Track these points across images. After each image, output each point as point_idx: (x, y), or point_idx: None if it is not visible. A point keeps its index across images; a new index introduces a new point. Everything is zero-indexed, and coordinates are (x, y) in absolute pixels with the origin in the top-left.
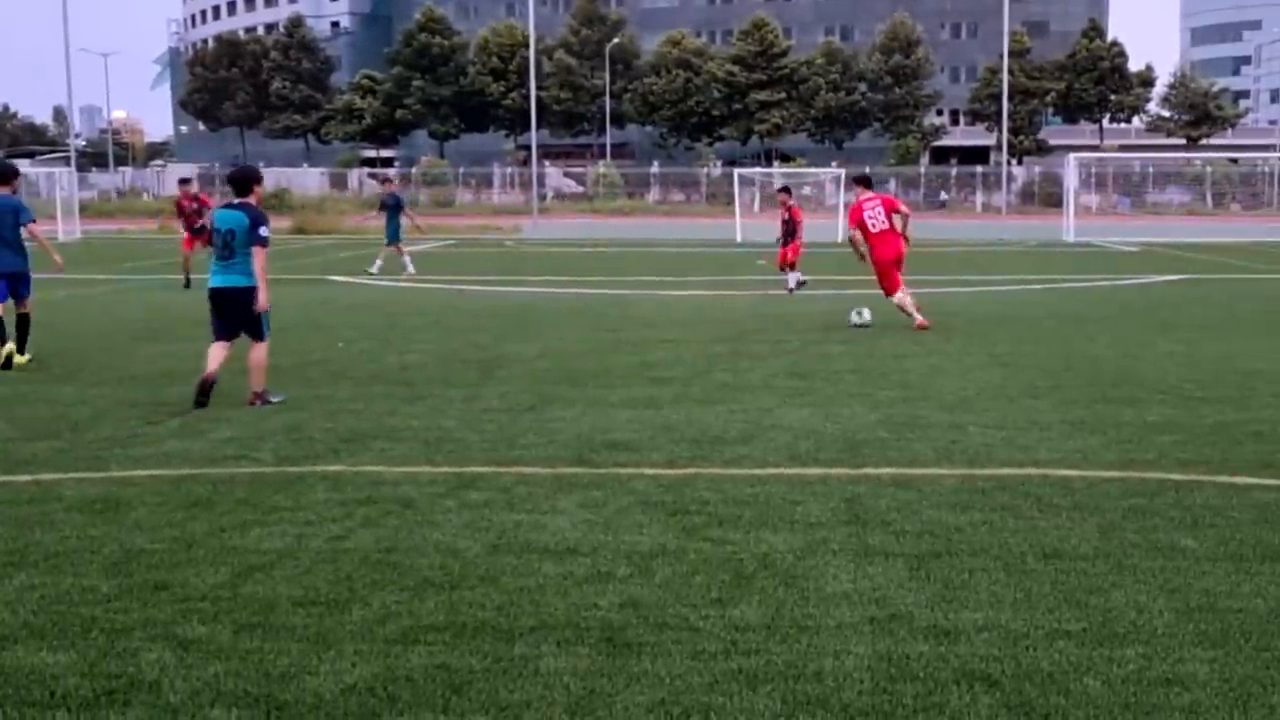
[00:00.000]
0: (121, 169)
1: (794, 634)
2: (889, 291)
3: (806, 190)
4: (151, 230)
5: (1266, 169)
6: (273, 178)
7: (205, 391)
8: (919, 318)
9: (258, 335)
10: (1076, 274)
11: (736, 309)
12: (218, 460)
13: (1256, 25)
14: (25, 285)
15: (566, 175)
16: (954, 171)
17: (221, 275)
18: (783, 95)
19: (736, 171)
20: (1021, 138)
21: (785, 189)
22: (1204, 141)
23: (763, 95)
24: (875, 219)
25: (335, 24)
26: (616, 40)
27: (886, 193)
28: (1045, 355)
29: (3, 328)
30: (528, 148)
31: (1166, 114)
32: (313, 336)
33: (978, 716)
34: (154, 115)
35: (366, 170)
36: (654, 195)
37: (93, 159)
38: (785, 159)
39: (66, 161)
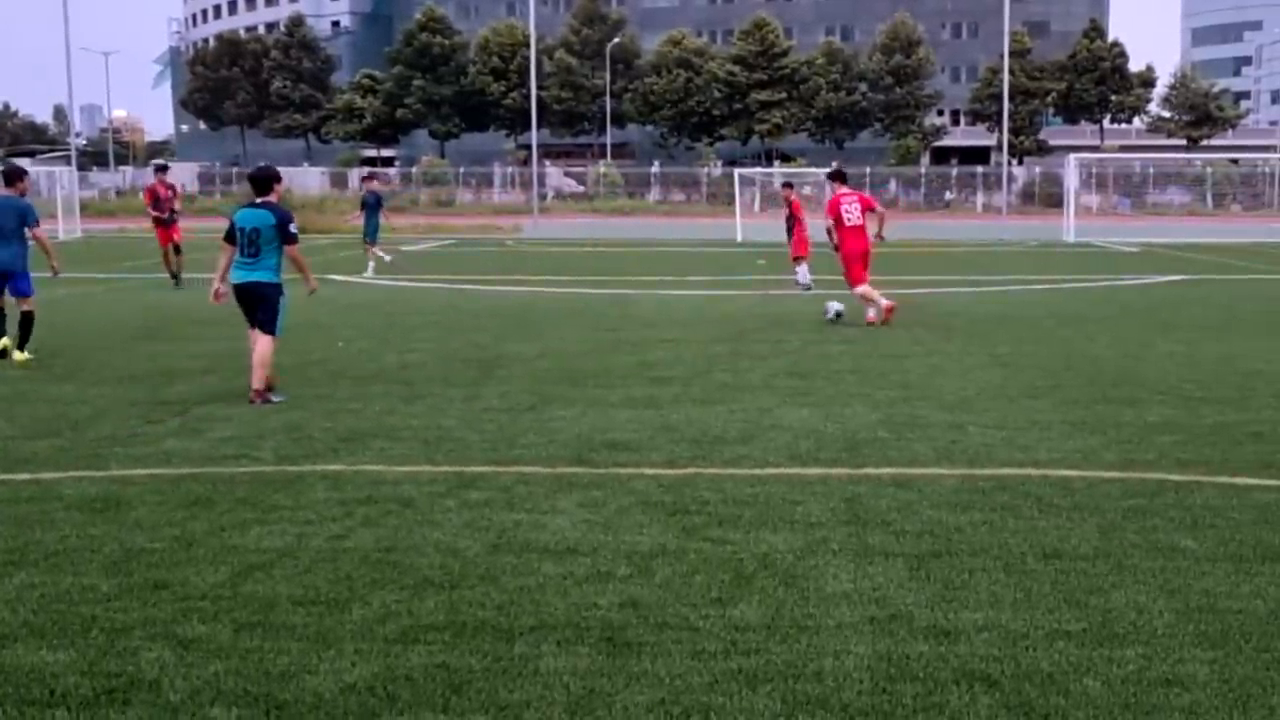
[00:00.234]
0: (122, 168)
1: (794, 634)
2: (853, 284)
3: (807, 190)
4: (151, 230)
5: (1267, 170)
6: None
7: (270, 389)
8: (884, 301)
9: (270, 330)
10: (1077, 274)
11: (737, 309)
12: (218, 459)
13: (1257, 26)
14: (23, 283)
15: (567, 175)
16: (954, 172)
17: (247, 271)
18: (783, 95)
19: (737, 171)
20: (1022, 138)
21: (788, 184)
22: (1205, 142)
23: (763, 95)
24: (851, 213)
25: (336, 23)
26: (617, 40)
27: (878, 192)
28: (1045, 355)
29: (2, 320)
30: (528, 147)
31: (1167, 114)
32: (313, 336)
33: (977, 717)
34: (155, 114)
35: (367, 170)
36: (654, 195)
37: (93, 158)
38: (786, 159)
39: (67, 160)
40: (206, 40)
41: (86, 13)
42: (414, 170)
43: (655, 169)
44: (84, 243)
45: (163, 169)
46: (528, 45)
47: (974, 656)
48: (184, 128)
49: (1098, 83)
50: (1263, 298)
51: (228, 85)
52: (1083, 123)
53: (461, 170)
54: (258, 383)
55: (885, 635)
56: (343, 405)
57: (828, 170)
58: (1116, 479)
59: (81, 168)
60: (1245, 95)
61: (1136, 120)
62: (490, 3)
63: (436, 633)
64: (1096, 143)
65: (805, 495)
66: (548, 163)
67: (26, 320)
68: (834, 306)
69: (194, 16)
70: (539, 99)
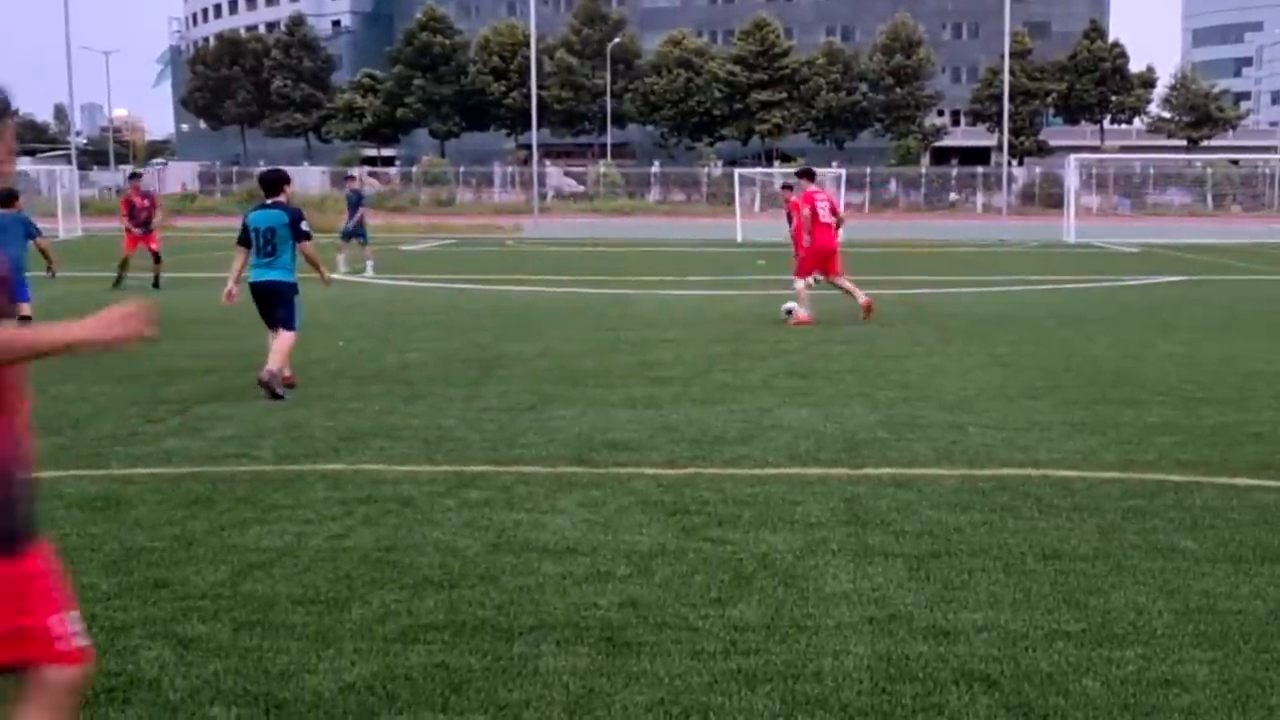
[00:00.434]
0: (122, 167)
1: (793, 634)
2: (798, 274)
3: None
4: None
5: (1267, 170)
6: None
7: (290, 386)
8: (803, 313)
9: (290, 326)
10: (1077, 275)
11: (737, 309)
12: (218, 458)
13: (1258, 27)
14: (21, 290)
15: (567, 175)
16: (955, 172)
17: (264, 271)
18: (784, 95)
19: (737, 171)
20: (1022, 138)
21: (787, 186)
22: (1205, 143)
23: (764, 95)
24: (823, 210)
25: (336, 23)
26: (618, 40)
27: (879, 193)
28: (1045, 356)
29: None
30: (529, 147)
31: (1167, 115)
32: (313, 335)
33: (976, 717)
34: (155, 113)
35: (367, 169)
36: (654, 195)
37: (94, 157)
38: (786, 159)
39: (68, 160)
40: (207, 39)
41: (87, 12)
42: (414, 170)
43: (655, 169)
44: (85, 242)
45: (136, 177)
46: (528, 45)
47: (973, 657)
48: (184, 127)
49: (1098, 83)
50: (1263, 298)
51: (228, 84)
52: (1083, 123)
53: (462, 170)
54: (273, 365)
55: (885, 635)
56: (343, 404)
57: (797, 169)
58: (1116, 479)
59: (82, 167)
60: (1246, 96)
61: (1137, 121)
62: (491, 2)
63: (436, 632)
64: (1097, 143)
65: (805, 495)
66: (548, 162)
67: (25, 322)
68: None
69: (194, 15)
70: (539, 99)
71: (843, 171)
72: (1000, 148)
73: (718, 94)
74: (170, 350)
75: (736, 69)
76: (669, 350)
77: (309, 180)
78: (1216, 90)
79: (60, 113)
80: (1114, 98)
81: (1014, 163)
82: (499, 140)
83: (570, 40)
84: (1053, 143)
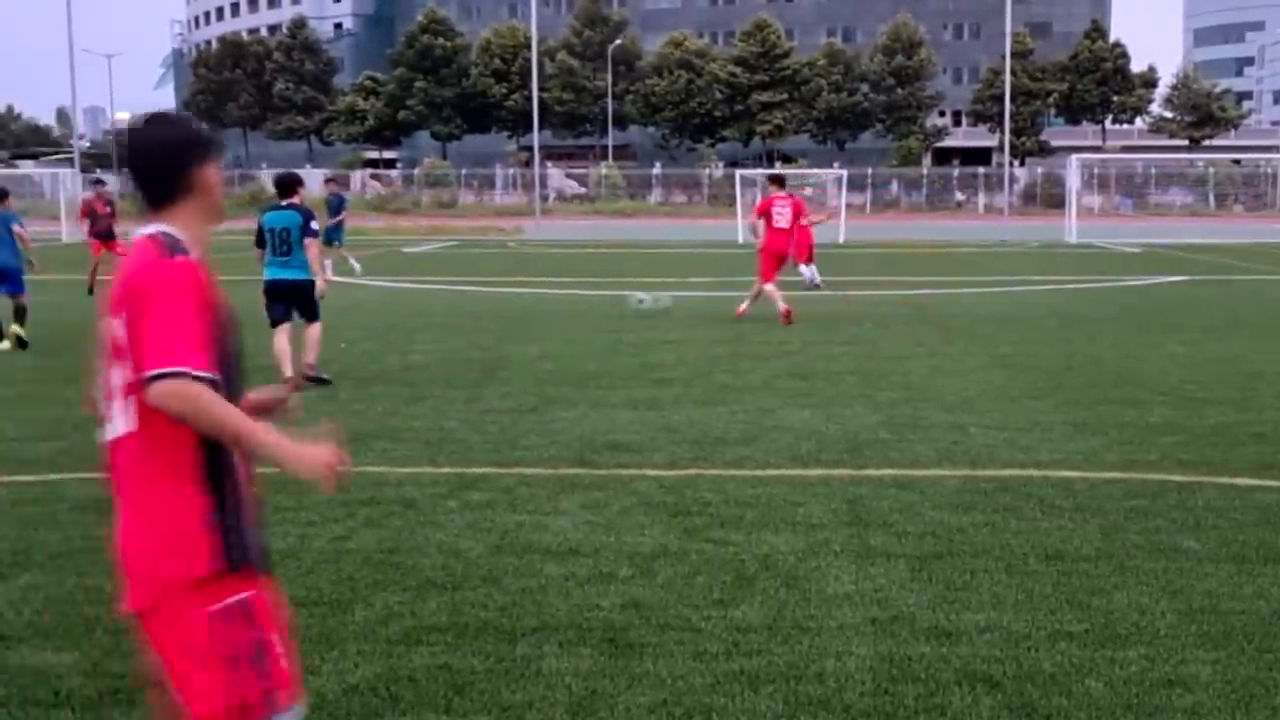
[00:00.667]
0: (125, 170)
1: (796, 635)
2: (763, 279)
3: (808, 192)
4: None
5: (1269, 170)
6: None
7: (309, 381)
8: (782, 305)
9: (314, 317)
10: (1079, 275)
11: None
12: None
13: (1259, 26)
14: (16, 281)
15: (569, 176)
16: (956, 173)
17: (280, 270)
18: (785, 96)
19: (738, 172)
20: (1024, 139)
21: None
22: (1207, 143)
23: (765, 96)
24: (781, 216)
25: (338, 25)
26: (619, 41)
27: (880, 193)
28: (1047, 356)
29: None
30: (530, 149)
31: (1169, 115)
32: None
33: (979, 718)
34: None
35: (369, 172)
36: (656, 196)
37: (96, 160)
38: (787, 160)
39: (70, 163)
40: (209, 42)
41: (89, 14)
42: (416, 172)
43: (657, 170)
44: (87, 244)
45: (100, 184)
46: (529, 47)
47: (976, 657)
48: None
49: (1100, 83)
50: (1265, 298)
51: (230, 87)
52: (1085, 123)
53: (464, 172)
54: (310, 357)
55: (887, 636)
56: (345, 406)
57: (769, 173)
58: (1118, 480)
59: (85, 170)
60: (1247, 96)
61: (1139, 121)
62: (492, 4)
63: (439, 634)
64: (1098, 143)
65: (807, 496)
66: (549, 164)
67: (20, 312)
68: (643, 300)
69: (196, 18)
70: (541, 100)
71: (844, 173)
72: (1001, 148)
73: (719, 95)
74: None
75: (737, 70)
76: (670, 352)
77: (311, 183)
78: (1218, 90)
79: (63, 116)
80: (1115, 98)
81: (1015, 163)
82: (500, 142)
83: (571, 42)
84: (1054, 143)
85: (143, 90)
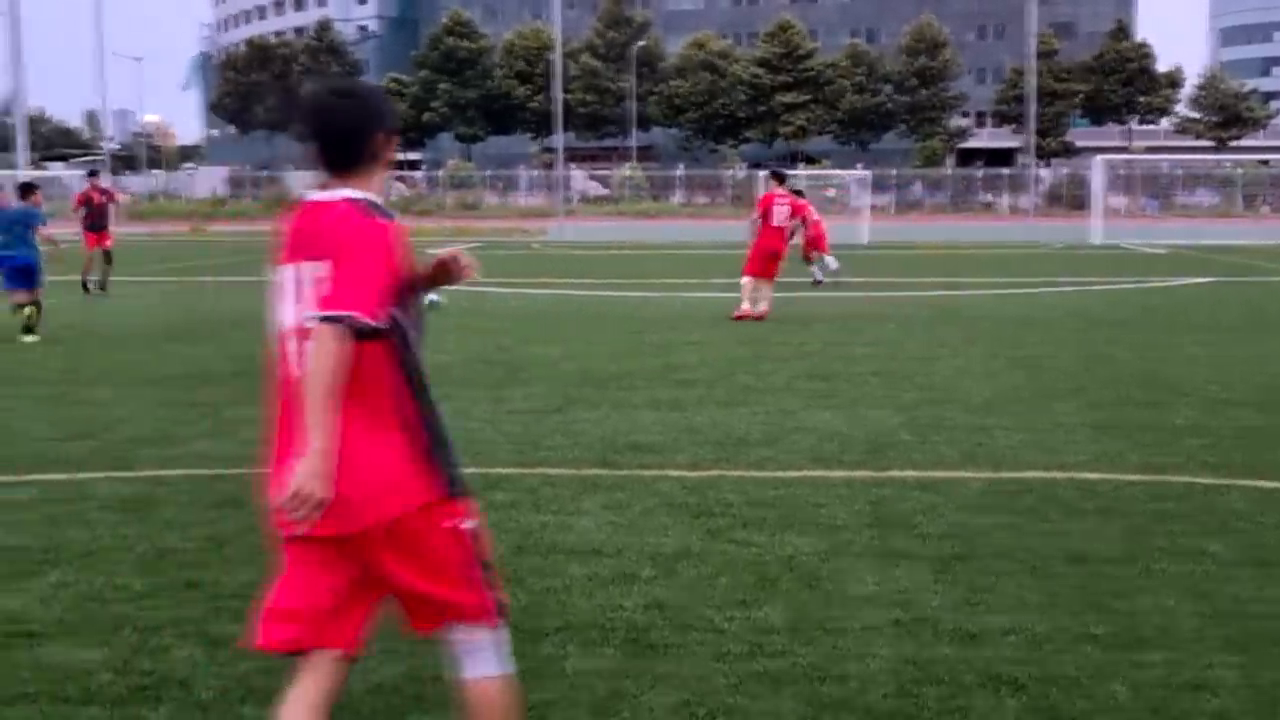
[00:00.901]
0: (154, 172)
1: (818, 636)
2: (746, 272)
3: (831, 193)
4: (184, 233)
5: None
6: (303, 182)
7: None
8: (745, 307)
9: None
10: (1103, 276)
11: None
12: (247, 460)
13: None
14: (34, 277)
15: (592, 178)
16: (980, 173)
17: None
18: (808, 97)
19: (761, 173)
20: (1049, 139)
21: (798, 191)
22: (1233, 143)
23: (788, 97)
24: (779, 214)
25: (363, 28)
26: (642, 43)
27: (904, 193)
28: (1070, 358)
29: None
30: (553, 150)
31: (1195, 115)
32: None
33: None
34: (184, 118)
35: (394, 173)
36: (679, 197)
37: (125, 162)
38: (810, 161)
39: (100, 165)
40: (237, 45)
41: (118, 17)
42: (440, 173)
43: (680, 171)
44: (118, 246)
45: (94, 174)
46: (552, 49)
47: (999, 660)
48: (215, 132)
49: (1125, 84)
50: None
51: (257, 89)
52: (1110, 124)
53: (487, 174)
54: None
55: (909, 638)
56: None
57: (770, 169)
58: (1142, 482)
59: (114, 172)
60: (1274, 95)
61: (1164, 121)
62: (516, 6)
63: None
64: (1124, 144)
65: (829, 498)
66: (573, 166)
67: (36, 308)
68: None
69: (224, 21)
70: (564, 102)
71: (868, 173)
72: (1026, 149)
73: (741, 96)
74: (200, 354)
75: (760, 71)
76: (692, 353)
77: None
78: (1245, 90)
79: (92, 118)
80: (1141, 98)
81: (1040, 164)
82: (524, 144)
83: (595, 44)
84: (1079, 143)
85: (171, 93)
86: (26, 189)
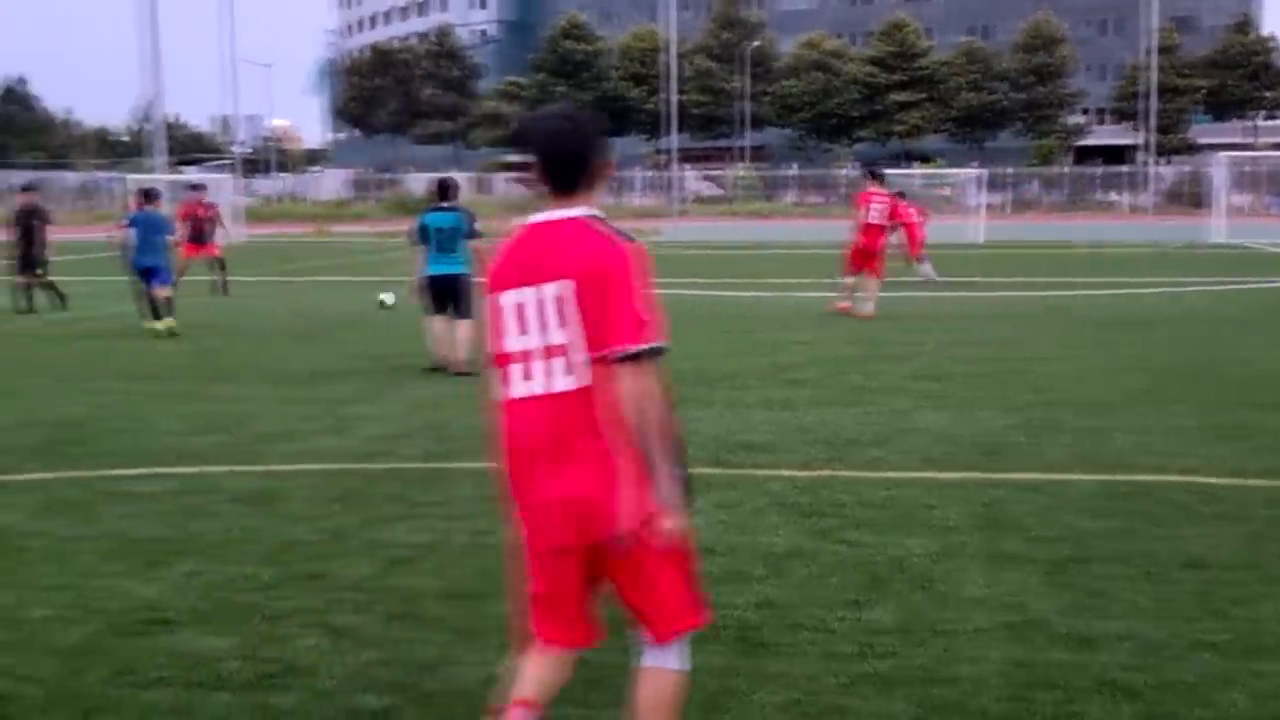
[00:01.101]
0: (281, 175)
1: (929, 638)
2: (846, 273)
3: (946, 191)
4: (308, 234)
5: None
6: (422, 184)
7: (448, 369)
8: (844, 302)
9: (468, 314)
10: (1225, 276)
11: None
12: (367, 456)
13: None
14: (164, 275)
15: (705, 178)
16: (1098, 171)
17: (443, 264)
18: (921, 96)
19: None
20: (1169, 136)
21: (900, 193)
22: None
23: (901, 96)
24: (875, 212)
25: (482, 32)
26: (755, 43)
27: (1020, 192)
28: (1189, 359)
29: (154, 307)
30: (667, 151)
31: None
32: None
33: None
34: (309, 123)
35: (510, 175)
36: (791, 197)
37: (254, 165)
38: (924, 160)
39: (231, 169)
40: (360, 50)
41: (248, 25)
42: None
43: (793, 171)
44: (246, 247)
45: (199, 188)
46: (666, 50)
47: (1113, 666)
48: (340, 135)
49: (1249, 78)
50: None
51: (379, 93)
52: (1233, 120)
53: None
54: (452, 354)
55: (1022, 642)
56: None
57: (867, 168)
58: (1264, 487)
59: (244, 175)
60: None
61: None
62: (631, 8)
63: None
64: (1249, 140)
65: (940, 499)
66: (686, 166)
67: (167, 303)
68: (387, 298)
69: (349, 27)
70: (678, 103)
71: (984, 172)
72: (1145, 146)
73: (854, 95)
74: (323, 352)
75: (874, 70)
76: (803, 352)
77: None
78: None
79: (225, 123)
80: (1266, 93)
81: (1160, 161)
82: (637, 145)
83: (708, 44)
84: (1201, 140)
85: (297, 98)
86: (148, 195)
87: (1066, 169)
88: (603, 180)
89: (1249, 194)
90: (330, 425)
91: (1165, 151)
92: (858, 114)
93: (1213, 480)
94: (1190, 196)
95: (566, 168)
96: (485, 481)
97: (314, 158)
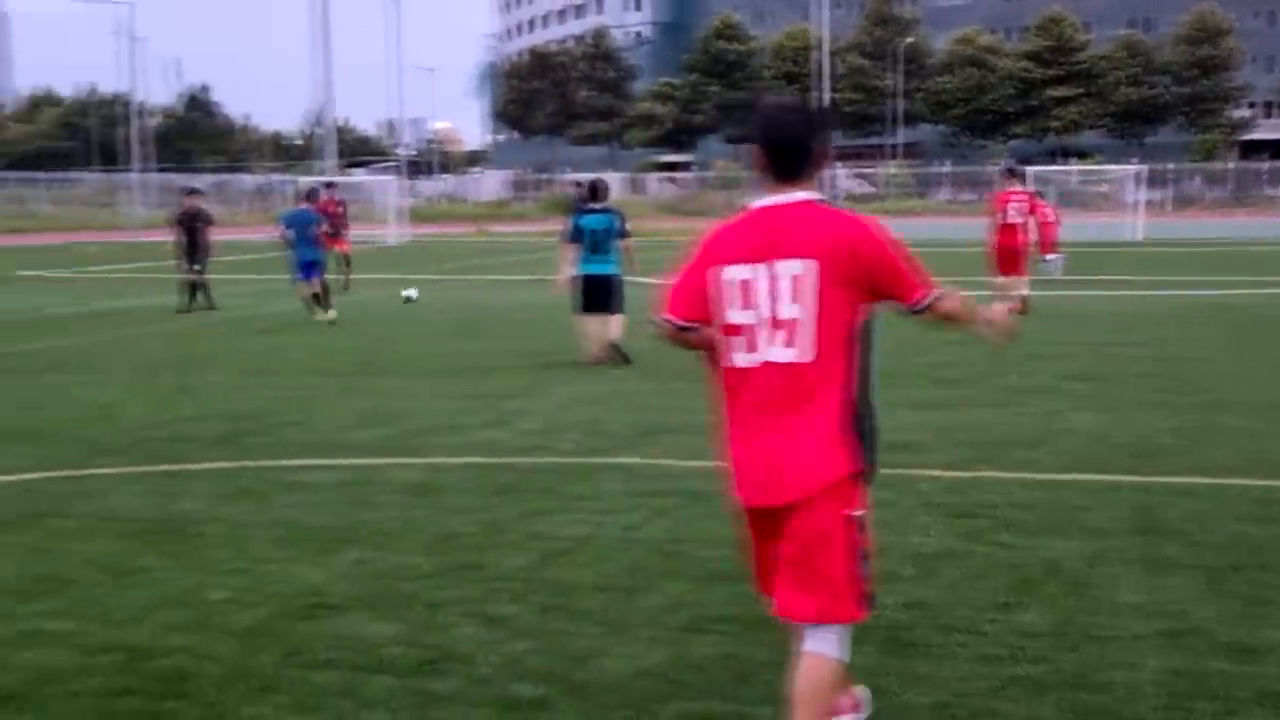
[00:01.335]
0: (443, 176)
1: (1082, 643)
2: (1001, 273)
3: (1104, 188)
4: (468, 234)
5: None
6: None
7: (608, 358)
8: (1014, 304)
9: (619, 310)
10: None
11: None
12: (523, 450)
13: None
14: (320, 269)
15: (856, 176)
16: (1265, 167)
17: (597, 265)
18: (1079, 91)
19: (1029, 170)
20: None
21: (1040, 193)
22: None
23: (1058, 91)
24: (1012, 212)
25: (637, 34)
26: (910, 40)
27: (1181, 188)
28: None
29: (316, 299)
30: None
31: None
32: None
33: None
34: (469, 125)
35: (662, 175)
36: (944, 194)
37: (417, 167)
38: (1081, 156)
39: (396, 170)
40: (520, 54)
41: (412, 32)
42: (710, 175)
43: (946, 168)
44: (410, 246)
45: (331, 186)
46: (818, 48)
47: (1278, 677)
48: (499, 137)
49: None
50: None
51: (537, 96)
52: None
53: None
54: (604, 350)
55: (1180, 650)
56: (639, 400)
57: (1005, 166)
58: None
59: (409, 176)
60: None
61: None
62: (784, 8)
63: (724, 624)
64: None
65: (1094, 502)
66: (838, 164)
67: (325, 291)
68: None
69: (508, 31)
70: (832, 101)
71: (1143, 168)
72: None
73: (1009, 91)
74: (483, 349)
75: (1029, 65)
76: (954, 351)
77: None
78: None
79: (389, 127)
80: None
81: None
82: None
83: (861, 42)
84: None
85: (457, 100)
86: (311, 195)
87: (1231, 164)
88: (823, 166)
89: None
90: (489, 419)
91: None
92: (1012, 110)
93: None
94: None
95: (792, 155)
96: (636, 477)
97: (474, 159)
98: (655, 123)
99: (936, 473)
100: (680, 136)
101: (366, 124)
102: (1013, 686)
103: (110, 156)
